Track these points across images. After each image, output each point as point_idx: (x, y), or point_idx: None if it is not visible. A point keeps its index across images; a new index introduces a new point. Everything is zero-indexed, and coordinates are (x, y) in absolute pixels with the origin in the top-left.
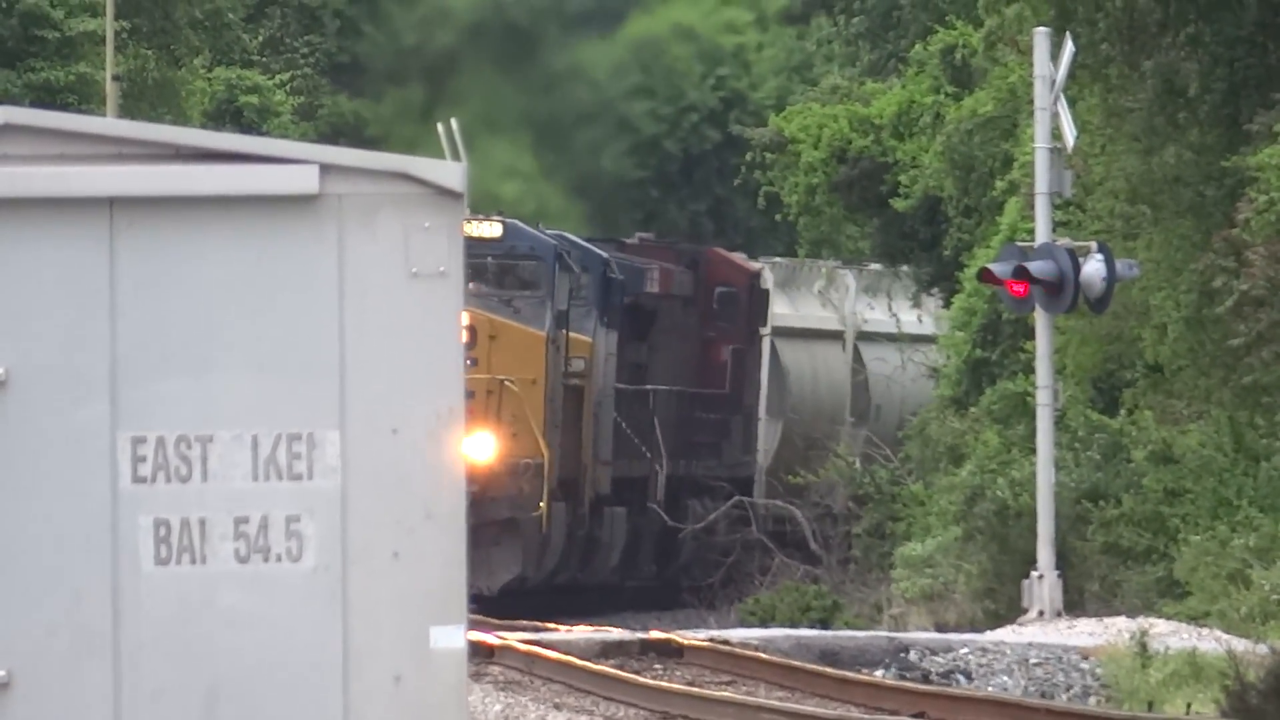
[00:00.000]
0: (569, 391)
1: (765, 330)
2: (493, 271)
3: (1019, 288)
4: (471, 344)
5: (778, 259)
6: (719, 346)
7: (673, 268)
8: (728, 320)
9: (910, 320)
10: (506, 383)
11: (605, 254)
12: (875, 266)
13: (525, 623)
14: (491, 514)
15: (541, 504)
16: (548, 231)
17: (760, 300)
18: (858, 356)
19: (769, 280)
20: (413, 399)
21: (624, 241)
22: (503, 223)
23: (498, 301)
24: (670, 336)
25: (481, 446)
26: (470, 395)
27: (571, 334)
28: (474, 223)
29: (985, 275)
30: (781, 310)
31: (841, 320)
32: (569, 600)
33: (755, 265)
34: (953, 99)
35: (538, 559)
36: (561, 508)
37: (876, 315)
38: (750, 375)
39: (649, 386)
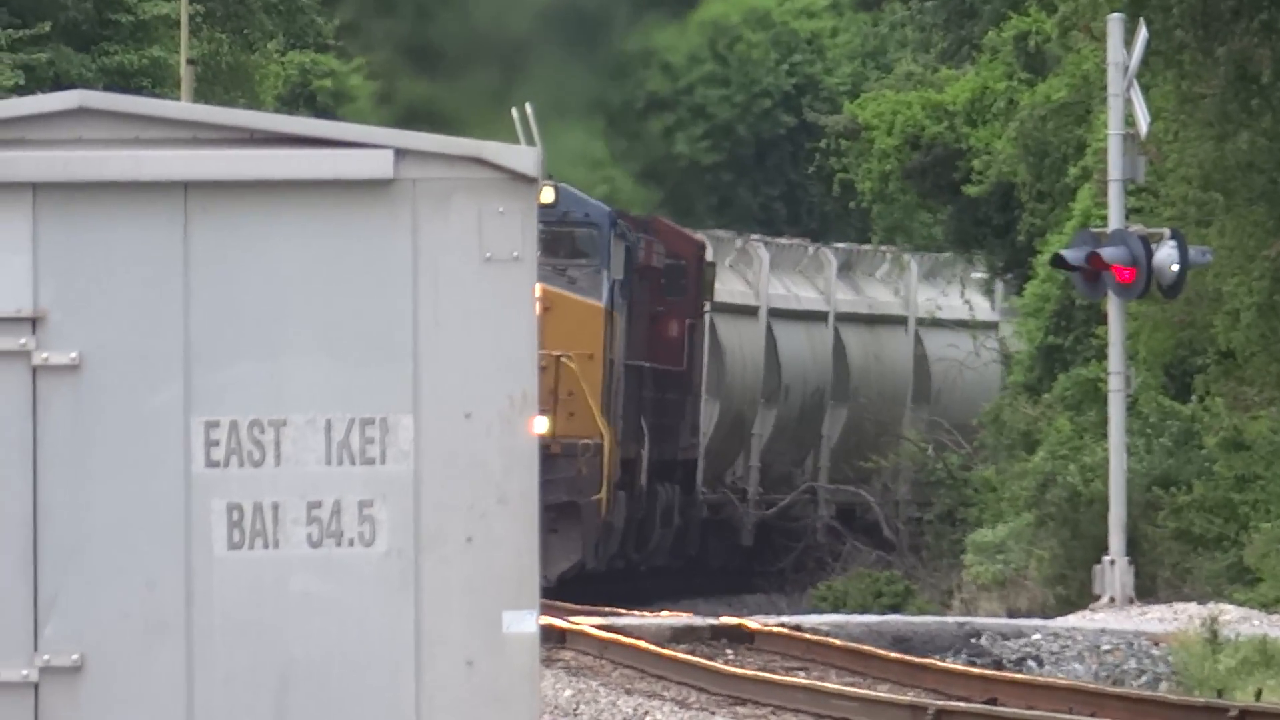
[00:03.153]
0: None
1: (708, 306)
2: (546, 240)
3: (1127, 274)
4: None
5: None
6: (674, 321)
7: (651, 239)
8: (678, 294)
9: (812, 298)
10: (563, 359)
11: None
12: (787, 241)
13: (595, 608)
14: (549, 498)
15: (603, 488)
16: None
17: (707, 274)
18: (770, 334)
19: (711, 253)
20: (486, 383)
21: None
22: (555, 188)
23: (551, 271)
24: (639, 310)
25: (537, 426)
26: None
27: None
28: None
29: (1058, 261)
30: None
31: (757, 296)
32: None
33: (700, 237)
34: (1026, 85)
35: (596, 546)
36: None
37: (782, 292)
38: (698, 352)
39: (644, 364)
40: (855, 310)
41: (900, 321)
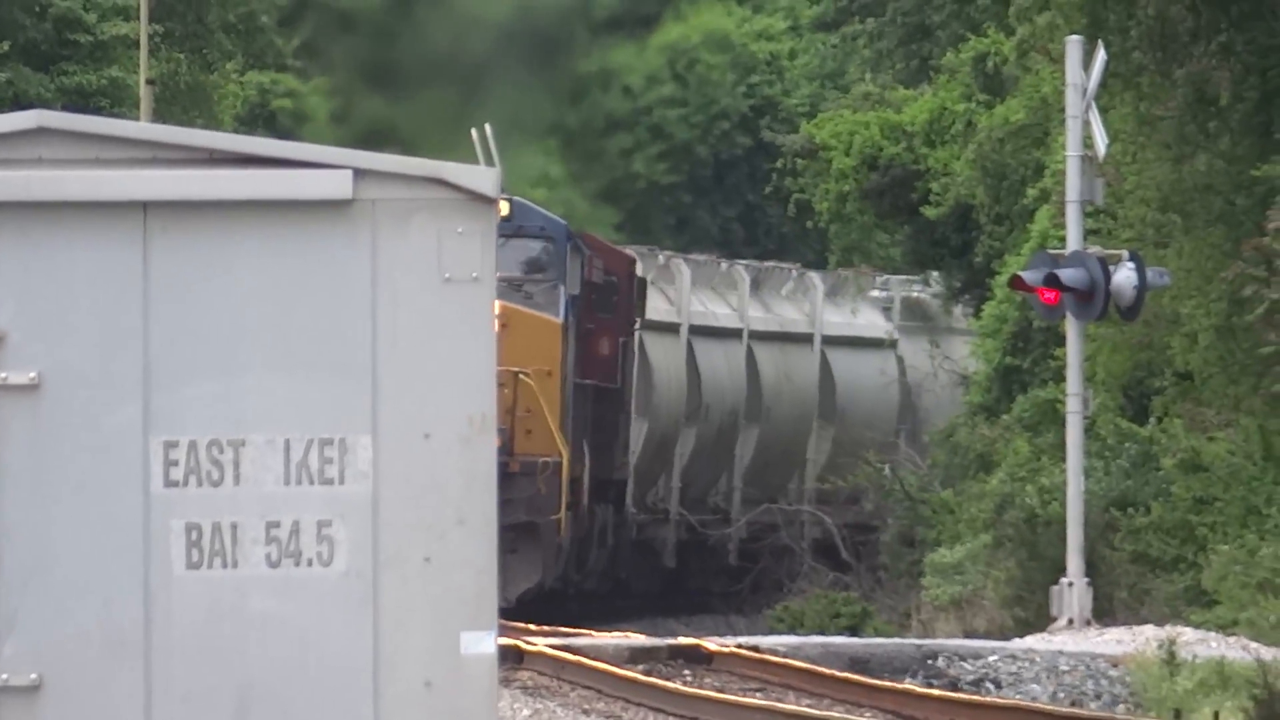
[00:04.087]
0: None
1: (639, 323)
2: (500, 254)
3: (1050, 295)
4: None
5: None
6: (608, 338)
7: (592, 254)
8: (611, 311)
9: (727, 314)
10: (521, 375)
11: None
12: (702, 257)
13: (553, 628)
14: (508, 517)
15: (561, 507)
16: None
17: (639, 290)
18: (690, 352)
19: (641, 269)
20: (445, 404)
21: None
22: (510, 200)
23: (507, 286)
24: (583, 326)
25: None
26: None
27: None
28: None
29: (1016, 283)
30: None
31: (679, 313)
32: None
33: (630, 253)
34: (984, 107)
35: (556, 566)
36: None
37: (701, 309)
38: (630, 370)
39: (586, 381)
40: (767, 328)
41: (807, 339)
